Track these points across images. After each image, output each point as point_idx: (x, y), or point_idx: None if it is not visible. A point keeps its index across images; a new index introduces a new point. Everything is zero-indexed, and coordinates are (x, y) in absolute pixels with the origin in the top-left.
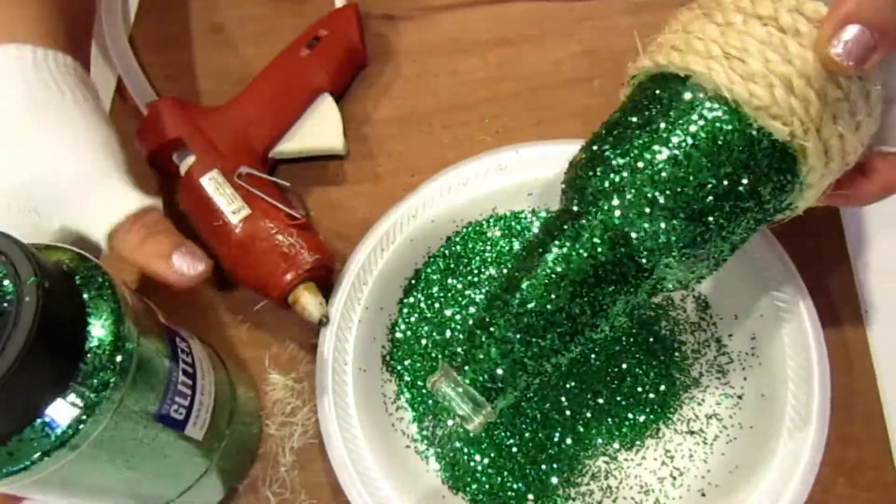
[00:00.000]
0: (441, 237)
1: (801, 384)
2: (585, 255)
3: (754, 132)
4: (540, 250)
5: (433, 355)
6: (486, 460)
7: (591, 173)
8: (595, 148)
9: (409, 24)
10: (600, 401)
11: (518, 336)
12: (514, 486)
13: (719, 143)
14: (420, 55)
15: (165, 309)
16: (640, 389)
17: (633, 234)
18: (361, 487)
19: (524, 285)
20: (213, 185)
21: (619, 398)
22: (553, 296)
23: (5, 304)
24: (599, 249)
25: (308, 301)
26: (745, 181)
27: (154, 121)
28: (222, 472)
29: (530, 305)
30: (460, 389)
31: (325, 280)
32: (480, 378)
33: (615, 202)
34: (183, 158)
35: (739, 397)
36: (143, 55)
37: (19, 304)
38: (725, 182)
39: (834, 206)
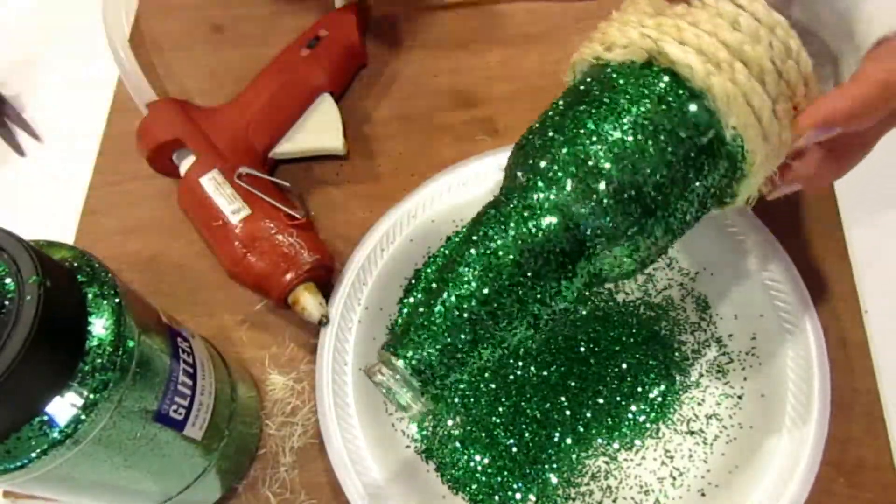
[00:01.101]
0: (441, 237)
1: (801, 384)
2: (522, 238)
3: (694, 107)
4: (479, 234)
5: None
6: (486, 460)
7: (532, 156)
8: (538, 131)
9: (409, 24)
10: (600, 401)
11: (450, 323)
12: (514, 486)
13: (660, 118)
14: (420, 55)
15: (167, 308)
16: (640, 389)
17: (577, 216)
18: (361, 487)
19: (461, 270)
20: (213, 185)
21: (619, 398)
22: (490, 280)
23: (6, 303)
24: (538, 231)
25: (308, 301)
26: (686, 158)
27: (154, 121)
28: (221, 472)
29: (464, 291)
30: (397, 376)
31: (325, 280)
32: (414, 363)
33: (556, 183)
34: (183, 158)
35: (739, 397)
36: (143, 55)
37: (20, 303)
38: (668, 158)
39: (794, 193)
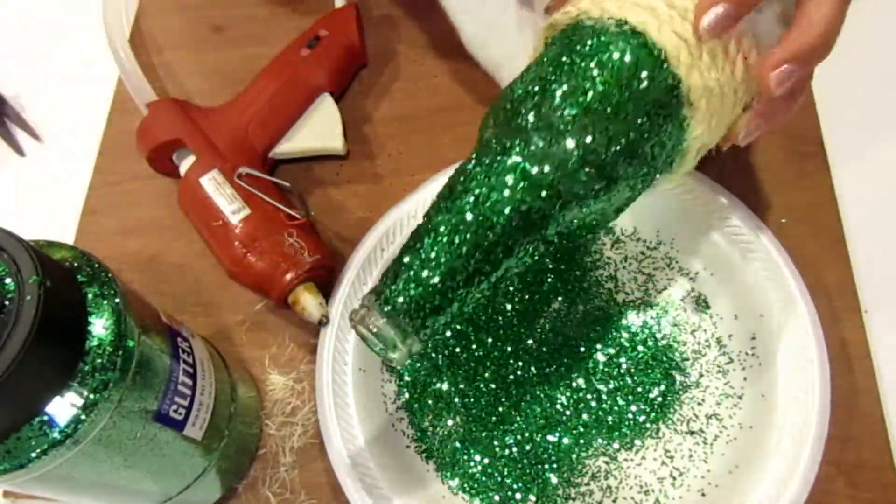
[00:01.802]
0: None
1: (801, 384)
2: (498, 193)
3: (638, 53)
4: (457, 190)
5: (433, 355)
6: (486, 460)
7: (504, 114)
8: (508, 93)
9: (409, 24)
10: (600, 401)
11: (434, 265)
12: (514, 486)
13: (615, 71)
14: (420, 55)
15: (167, 308)
16: (640, 389)
17: (552, 165)
18: (361, 487)
19: (438, 220)
20: (213, 185)
21: (619, 398)
22: (465, 233)
23: (6, 303)
24: (513, 188)
25: (308, 301)
26: (639, 103)
27: (154, 121)
28: (221, 472)
29: (443, 241)
30: (383, 319)
31: (325, 280)
32: (401, 302)
33: (527, 139)
34: (183, 158)
35: (739, 397)
36: (143, 55)
37: (20, 303)
38: (626, 109)
39: (764, 133)
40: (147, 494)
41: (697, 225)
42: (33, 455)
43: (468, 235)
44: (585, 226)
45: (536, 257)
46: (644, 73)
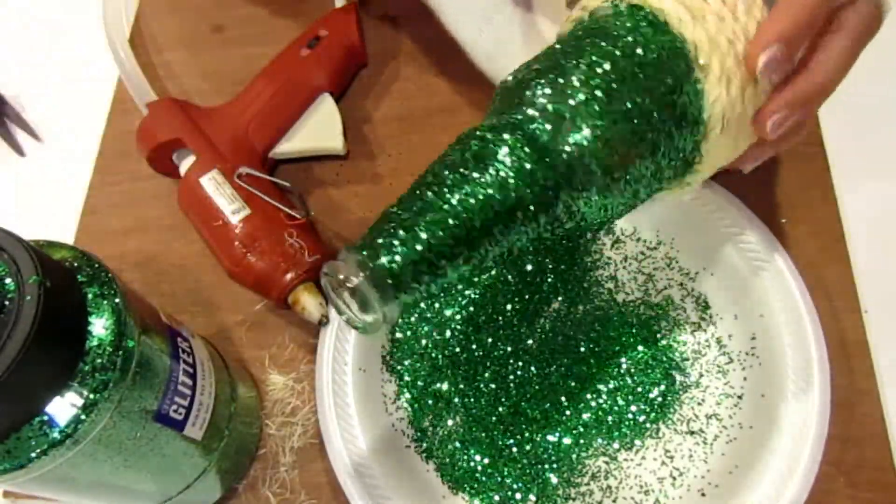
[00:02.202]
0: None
1: (801, 384)
2: (506, 169)
3: (670, 49)
4: (470, 162)
5: (433, 355)
6: (486, 460)
7: (521, 91)
8: (527, 70)
9: (409, 24)
10: (600, 401)
11: (426, 233)
12: (514, 486)
13: (641, 59)
14: (420, 55)
15: (167, 308)
16: (640, 389)
17: (560, 150)
18: (361, 487)
19: (440, 185)
20: (213, 185)
21: (619, 398)
22: (473, 207)
23: (6, 303)
24: (521, 164)
25: (308, 301)
26: (654, 95)
27: (154, 121)
28: (221, 472)
29: (445, 211)
30: (361, 278)
31: None
32: (385, 264)
33: (541, 118)
34: (183, 158)
35: (739, 397)
36: (143, 55)
37: (20, 303)
38: (647, 98)
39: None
40: (147, 494)
41: (697, 225)
42: (33, 455)
43: (469, 208)
44: (592, 220)
45: (538, 240)
46: (647, 42)
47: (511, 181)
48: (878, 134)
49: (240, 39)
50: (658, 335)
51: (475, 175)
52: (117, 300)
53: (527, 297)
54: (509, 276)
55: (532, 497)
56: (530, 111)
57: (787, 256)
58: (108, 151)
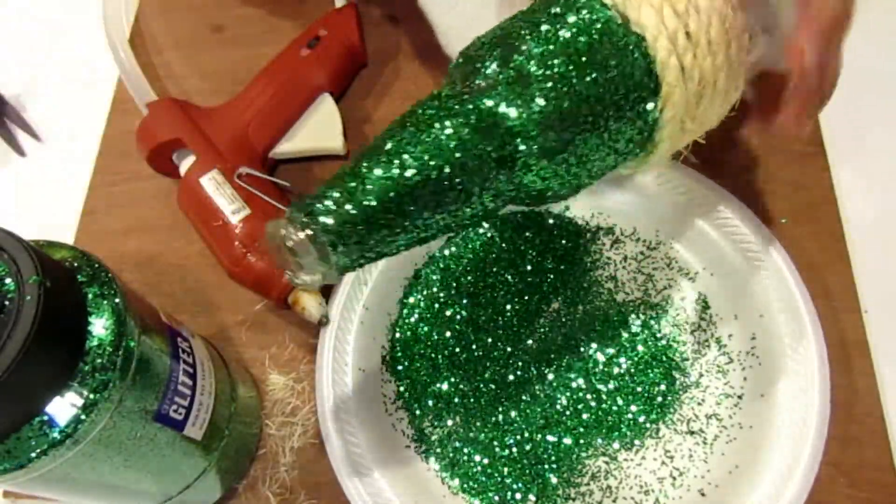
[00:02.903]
0: (441, 237)
1: (801, 384)
2: (459, 133)
3: (637, 53)
4: (412, 123)
5: (433, 355)
6: (486, 460)
7: (477, 60)
8: (484, 39)
9: (409, 24)
10: (600, 401)
11: (371, 195)
12: (514, 486)
13: (594, 38)
14: (420, 55)
15: (167, 308)
16: (640, 389)
17: (508, 119)
18: (361, 487)
19: (388, 148)
20: (213, 185)
21: (618, 398)
22: (417, 166)
23: (6, 303)
24: (470, 130)
25: (308, 301)
26: (610, 77)
27: (154, 121)
28: (221, 472)
29: (390, 171)
30: (302, 235)
31: None
32: (329, 222)
33: (496, 87)
34: (183, 158)
35: (739, 397)
36: (143, 55)
37: (20, 303)
38: (595, 76)
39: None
40: (147, 494)
41: (697, 225)
42: (33, 455)
43: (414, 170)
44: (541, 191)
45: (479, 212)
46: (618, 45)
47: (446, 149)
48: (878, 134)
49: (240, 39)
50: (658, 335)
51: (412, 143)
52: (117, 300)
53: (527, 297)
54: (509, 277)
55: (532, 497)
56: (479, 81)
57: (787, 256)
58: (108, 151)
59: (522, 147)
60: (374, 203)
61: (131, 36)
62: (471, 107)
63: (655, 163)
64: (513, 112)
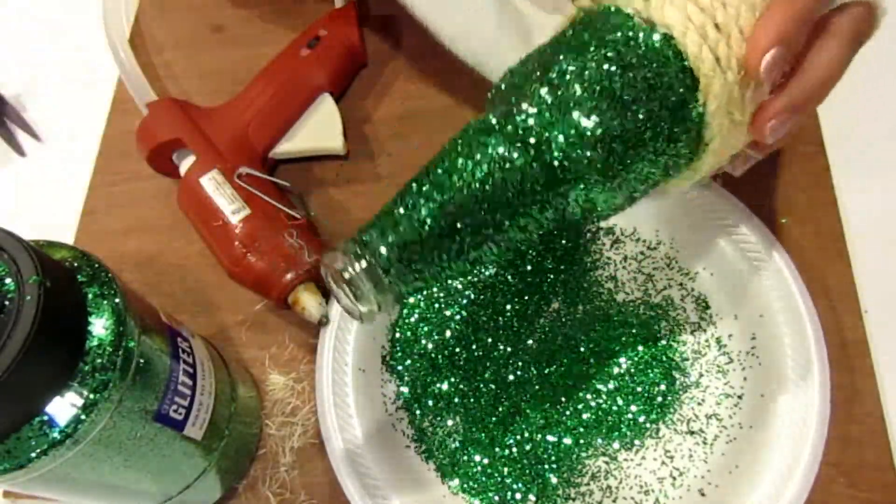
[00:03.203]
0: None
1: (801, 384)
2: (507, 158)
3: (668, 52)
4: (457, 151)
5: (433, 355)
6: (486, 460)
7: (524, 83)
8: (523, 66)
9: (409, 24)
10: (600, 401)
11: (419, 225)
12: (514, 486)
13: (636, 59)
14: (420, 55)
15: (167, 308)
16: (640, 389)
17: (556, 142)
18: (361, 487)
19: (435, 175)
20: (213, 185)
21: (619, 398)
22: (462, 195)
23: (6, 303)
24: (520, 154)
25: (308, 301)
26: (650, 84)
27: (154, 121)
28: (221, 472)
29: (438, 200)
30: (358, 268)
31: None
32: (380, 255)
33: (542, 110)
34: (183, 158)
35: (739, 397)
36: (143, 55)
37: (20, 303)
38: (636, 86)
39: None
40: (147, 494)
41: (697, 225)
42: (33, 455)
43: (463, 192)
44: (587, 210)
45: (532, 236)
46: (665, 70)
47: (498, 175)
48: (879, 134)
49: (240, 39)
50: (658, 335)
51: (462, 167)
52: (117, 300)
53: (527, 297)
54: (509, 277)
55: (532, 497)
56: (525, 106)
57: (787, 256)
58: (108, 151)
59: (570, 167)
60: (425, 227)
61: (131, 36)
62: (520, 130)
63: (708, 167)
64: (560, 137)
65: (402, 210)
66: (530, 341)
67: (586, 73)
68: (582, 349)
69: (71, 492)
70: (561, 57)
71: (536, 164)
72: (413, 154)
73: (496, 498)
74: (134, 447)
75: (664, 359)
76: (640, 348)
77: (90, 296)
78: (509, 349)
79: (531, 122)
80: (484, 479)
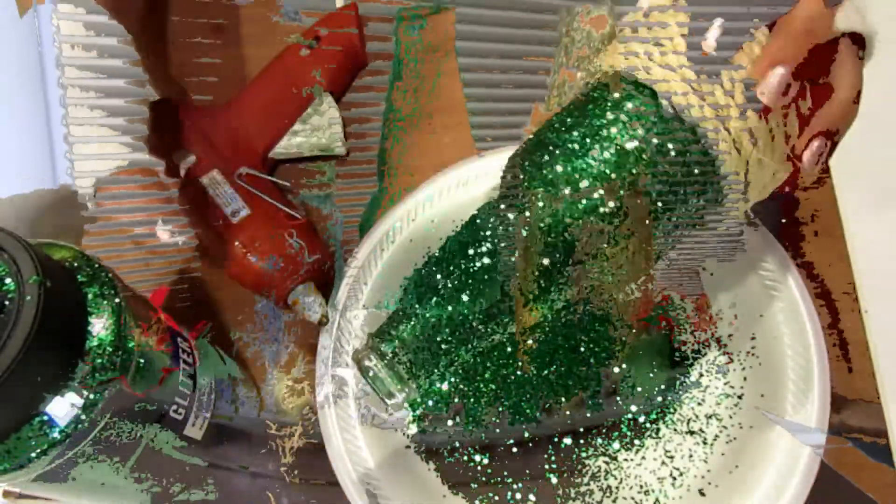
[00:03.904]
0: (441, 237)
1: (801, 384)
2: (527, 235)
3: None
4: (466, 248)
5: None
6: (485, 460)
7: (535, 162)
8: (540, 138)
9: (409, 25)
10: (600, 401)
11: (436, 321)
12: (514, 486)
13: (650, 134)
14: (420, 55)
15: (167, 308)
16: (640, 389)
17: (569, 220)
18: (361, 488)
19: (449, 278)
20: (213, 185)
21: (618, 398)
22: (478, 293)
23: (6, 303)
24: (538, 231)
25: (308, 301)
26: (678, 170)
27: (154, 121)
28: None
29: (451, 301)
30: (383, 364)
31: (325, 280)
32: (398, 352)
33: (554, 189)
34: (183, 158)
35: (739, 397)
36: (144, 55)
37: (20, 303)
38: (664, 175)
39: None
40: (147, 494)
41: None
42: (33, 455)
43: (473, 294)
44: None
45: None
46: (685, 146)
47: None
48: (879, 134)
49: (240, 39)
50: (658, 335)
51: (472, 257)
52: (117, 300)
53: None
54: None
55: (532, 497)
56: (537, 187)
57: (787, 256)
58: None
59: (579, 245)
60: (434, 323)
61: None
62: (531, 206)
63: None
64: (568, 218)
65: (416, 312)
66: (530, 341)
67: (608, 148)
68: (582, 349)
69: (71, 492)
70: (582, 135)
71: (554, 244)
72: (413, 154)
73: (496, 498)
74: (134, 447)
75: (664, 359)
76: (641, 349)
77: (90, 296)
78: (509, 349)
79: (545, 205)
80: (484, 479)
